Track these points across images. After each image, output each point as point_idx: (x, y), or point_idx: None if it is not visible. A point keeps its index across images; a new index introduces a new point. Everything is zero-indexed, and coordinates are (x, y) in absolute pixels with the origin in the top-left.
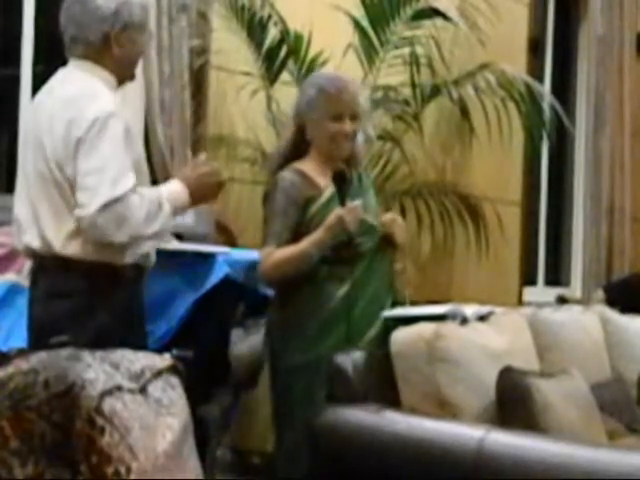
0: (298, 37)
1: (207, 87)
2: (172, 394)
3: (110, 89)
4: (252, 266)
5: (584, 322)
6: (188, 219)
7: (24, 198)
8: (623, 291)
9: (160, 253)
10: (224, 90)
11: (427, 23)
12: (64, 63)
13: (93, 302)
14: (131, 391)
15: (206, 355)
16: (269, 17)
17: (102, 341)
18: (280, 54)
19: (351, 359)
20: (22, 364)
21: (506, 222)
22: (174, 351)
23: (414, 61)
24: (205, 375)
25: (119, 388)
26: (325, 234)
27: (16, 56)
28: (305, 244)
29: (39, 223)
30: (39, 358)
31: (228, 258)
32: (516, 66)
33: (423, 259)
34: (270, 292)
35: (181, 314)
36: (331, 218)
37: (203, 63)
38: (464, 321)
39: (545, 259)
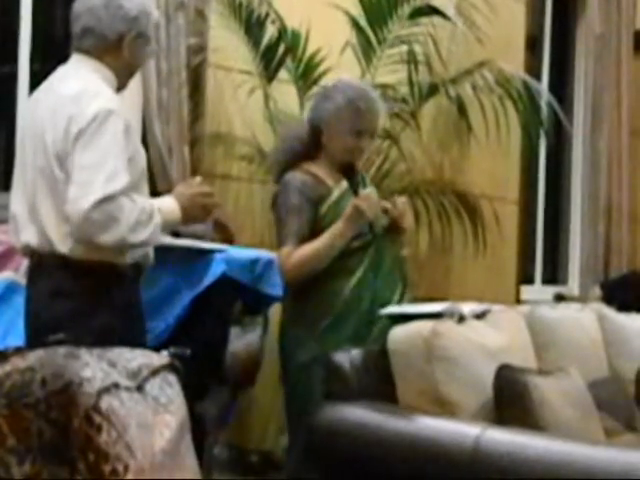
0: (296, 35)
1: (205, 85)
2: (169, 392)
3: (111, 88)
4: (250, 264)
5: (581, 320)
6: None
7: (21, 196)
8: (620, 289)
9: (157, 250)
10: (222, 88)
11: (425, 21)
12: (61, 61)
13: (94, 301)
14: (128, 389)
15: (204, 353)
16: (267, 15)
17: (103, 340)
18: (278, 52)
19: (348, 357)
20: (19, 362)
21: (504, 220)
22: (171, 349)
23: (412, 59)
24: (203, 373)
25: (116, 386)
26: (345, 225)
27: (13, 54)
28: (326, 237)
29: (39, 221)
30: (36, 356)
31: (226, 256)
32: (514, 64)
33: (421, 257)
34: (269, 291)
35: (178, 312)
36: (349, 209)
37: (201, 61)
38: (461, 319)
39: (542, 257)
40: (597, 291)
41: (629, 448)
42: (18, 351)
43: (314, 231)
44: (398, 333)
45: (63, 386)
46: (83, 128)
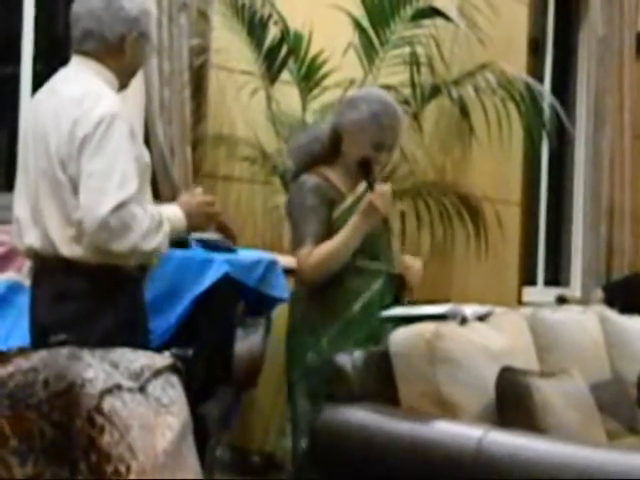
0: (298, 36)
1: (207, 86)
2: (172, 393)
3: (113, 90)
4: (251, 265)
5: (584, 322)
6: None
7: (24, 198)
8: (622, 291)
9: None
10: (224, 89)
11: (427, 23)
12: (64, 62)
13: (98, 304)
14: (131, 390)
15: (206, 354)
16: (269, 16)
17: (108, 342)
18: (280, 53)
19: (351, 359)
20: (22, 363)
21: (506, 222)
22: (173, 350)
23: (414, 61)
24: (205, 374)
25: (119, 387)
26: (360, 219)
27: (16, 55)
28: (343, 234)
29: (42, 224)
30: (39, 357)
31: (228, 257)
32: (516, 66)
33: (423, 259)
34: (272, 292)
35: (180, 312)
36: (364, 204)
37: (203, 62)
38: (464, 321)
39: (545, 259)
40: (599, 293)
41: (631, 450)
42: (21, 352)
43: (327, 233)
44: (400, 335)
45: (66, 387)
46: (89, 133)
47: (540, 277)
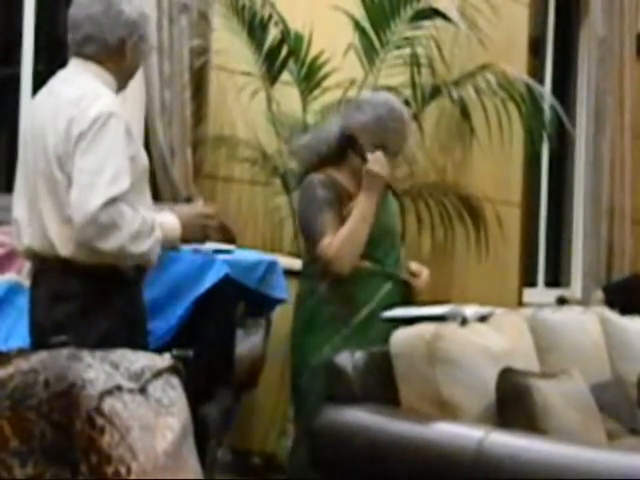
0: (298, 37)
1: (207, 87)
2: (172, 394)
3: (111, 91)
4: (252, 266)
5: (584, 323)
6: None
7: (23, 198)
8: (623, 292)
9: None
10: (224, 90)
11: (427, 23)
12: (64, 63)
13: (97, 304)
14: (131, 391)
15: (206, 355)
16: (270, 17)
17: (106, 343)
18: (281, 54)
19: (351, 359)
20: (22, 364)
21: (506, 223)
22: (174, 351)
23: (414, 61)
24: (206, 375)
25: (119, 388)
26: (366, 195)
27: (16, 55)
28: (357, 211)
29: (41, 224)
30: (39, 358)
31: (229, 258)
32: (516, 67)
33: (423, 260)
34: (272, 293)
35: (180, 313)
36: (363, 179)
37: (203, 63)
38: (464, 322)
39: (545, 260)
40: (599, 294)
41: (631, 451)
42: (21, 353)
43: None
44: (401, 336)
45: (66, 388)
46: (84, 130)
47: (540, 278)
